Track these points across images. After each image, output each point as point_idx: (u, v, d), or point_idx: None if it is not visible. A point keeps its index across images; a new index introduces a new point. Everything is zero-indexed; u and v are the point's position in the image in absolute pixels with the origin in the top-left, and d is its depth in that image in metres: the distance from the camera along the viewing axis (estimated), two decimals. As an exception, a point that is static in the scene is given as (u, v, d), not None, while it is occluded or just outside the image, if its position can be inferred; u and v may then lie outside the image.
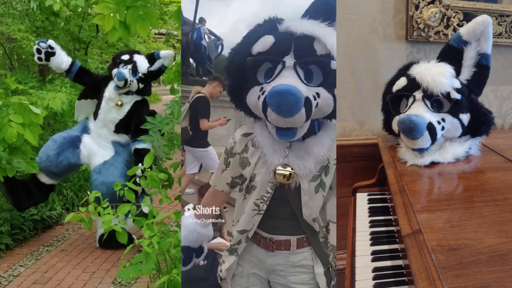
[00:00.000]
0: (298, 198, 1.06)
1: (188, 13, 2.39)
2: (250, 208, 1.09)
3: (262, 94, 0.94)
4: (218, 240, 1.76)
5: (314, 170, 1.03)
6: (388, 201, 1.80)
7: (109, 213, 2.05)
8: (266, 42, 0.95)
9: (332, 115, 1.03)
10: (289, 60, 0.94)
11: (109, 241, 2.89)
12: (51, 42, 2.87)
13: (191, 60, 2.69)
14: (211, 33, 2.43)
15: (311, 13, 0.97)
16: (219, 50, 2.04)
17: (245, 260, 1.17)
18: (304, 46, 0.94)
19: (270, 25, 0.99)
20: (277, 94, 0.87)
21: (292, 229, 1.10)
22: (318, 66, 0.94)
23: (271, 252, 1.11)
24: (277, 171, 1.01)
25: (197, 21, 2.21)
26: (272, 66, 0.96)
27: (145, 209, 2.14)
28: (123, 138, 3.02)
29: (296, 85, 0.89)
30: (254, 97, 0.99)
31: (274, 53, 0.94)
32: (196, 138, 2.53)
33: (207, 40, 2.50)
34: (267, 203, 1.07)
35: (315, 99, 0.94)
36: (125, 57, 2.93)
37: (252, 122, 1.09)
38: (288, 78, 0.91)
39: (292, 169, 1.01)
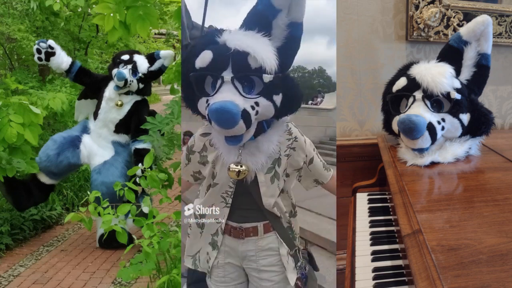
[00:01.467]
0: (257, 189, 1.15)
1: (196, 17, 2.41)
2: (218, 201, 1.20)
3: (208, 106, 1.00)
4: None
5: (266, 163, 1.13)
6: (388, 201, 1.80)
7: (109, 213, 2.05)
8: (205, 57, 1.00)
9: (278, 116, 1.09)
10: (227, 75, 1.00)
11: (109, 241, 2.89)
12: (51, 42, 2.87)
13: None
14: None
15: (247, 24, 1.02)
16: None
17: (220, 251, 1.25)
18: (240, 61, 0.99)
19: (210, 37, 1.03)
20: (215, 111, 0.95)
21: (258, 217, 1.20)
22: (249, 80, 1.01)
23: (241, 239, 1.21)
24: (230, 169, 1.12)
25: (206, 25, 2.23)
26: (213, 80, 1.02)
27: (145, 209, 2.14)
28: (123, 138, 3.02)
29: (234, 99, 0.97)
30: (202, 107, 1.07)
31: (212, 69, 1.00)
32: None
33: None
34: (232, 196, 1.18)
35: (253, 108, 1.01)
36: (125, 57, 2.93)
37: (209, 124, 1.10)
38: (227, 93, 0.98)
39: (242, 166, 1.11)
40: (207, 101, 1.03)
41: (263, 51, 0.99)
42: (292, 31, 1.03)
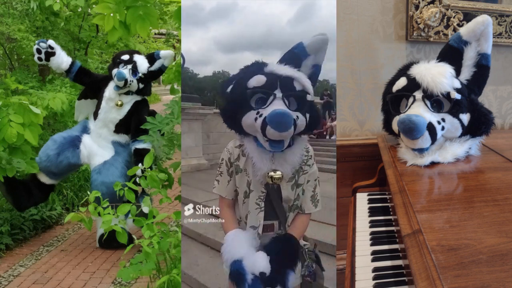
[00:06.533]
0: (278, 194, 1.36)
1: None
2: (253, 207, 1.37)
3: (260, 116, 1.25)
4: None
5: (290, 173, 1.35)
6: (388, 201, 1.80)
7: (109, 213, 2.05)
8: (260, 79, 1.28)
9: (302, 132, 1.35)
10: (278, 93, 1.27)
11: (109, 241, 2.89)
12: (51, 42, 2.87)
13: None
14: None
15: (285, 60, 1.34)
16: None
17: None
18: (287, 84, 1.28)
19: (257, 67, 1.33)
20: (277, 115, 1.20)
21: (274, 216, 1.39)
22: (295, 98, 1.29)
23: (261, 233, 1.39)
24: (272, 175, 1.32)
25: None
26: (265, 97, 1.28)
27: (145, 209, 2.14)
28: (123, 138, 3.02)
29: (284, 109, 1.23)
30: (250, 119, 1.28)
31: (267, 87, 1.27)
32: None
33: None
34: (264, 201, 1.36)
35: (296, 120, 1.26)
36: (125, 57, 2.93)
37: (241, 137, 1.37)
38: (280, 106, 1.25)
39: (276, 172, 1.32)
40: (258, 112, 1.26)
41: (303, 78, 1.30)
42: (314, 70, 1.37)
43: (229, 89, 1.35)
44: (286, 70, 1.29)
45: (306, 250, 1.42)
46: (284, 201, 1.37)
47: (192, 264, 2.48)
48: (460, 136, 1.65)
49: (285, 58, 1.35)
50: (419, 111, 1.58)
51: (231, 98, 1.34)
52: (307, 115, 1.32)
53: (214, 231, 2.50)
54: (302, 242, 1.45)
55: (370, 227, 1.62)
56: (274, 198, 1.36)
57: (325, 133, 7.54)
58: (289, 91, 1.28)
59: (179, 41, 5.86)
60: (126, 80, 2.85)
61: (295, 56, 1.34)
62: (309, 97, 1.29)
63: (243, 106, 1.29)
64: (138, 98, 3.01)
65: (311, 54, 1.34)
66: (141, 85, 2.95)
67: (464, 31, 1.68)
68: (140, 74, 2.91)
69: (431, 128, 1.56)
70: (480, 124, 1.64)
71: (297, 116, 1.27)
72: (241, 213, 1.42)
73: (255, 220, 1.37)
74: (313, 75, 1.37)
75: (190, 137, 5.15)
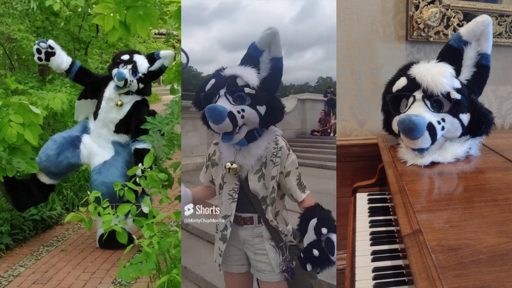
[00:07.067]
0: (248, 186, 1.44)
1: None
2: (226, 198, 1.46)
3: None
4: None
5: (254, 165, 1.41)
6: (388, 201, 1.80)
7: (109, 213, 2.05)
8: (211, 82, 1.41)
9: (266, 125, 1.42)
10: (222, 91, 1.37)
11: (109, 241, 2.89)
12: (51, 42, 2.87)
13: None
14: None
15: (243, 62, 1.43)
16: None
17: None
18: (231, 82, 1.38)
19: (217, 72, 1.44)
20: (208, 109, 1.30)
21: (252, 209, 1.45)
22: (241, 93, 1.36)
23: (240, 226, 1.48)
24: (226, 166, 1.43)
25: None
26: (214, 96, 1.40)
27: (145, 209, 2.14)
28: (123, 138, 3.02)
29: (224, 105, 1.32)
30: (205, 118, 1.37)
31: (215, 88, 1.39)
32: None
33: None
34: (238, 192, 1.45)
35: (239, 112, 1.34)
36: (125, 57, 2.93)
37: (218, 135, 1.44)
38: (221, 102, 1.34)
39: (233, 164, 1.42)
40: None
41: (247, 74, 1.37)
42: (274, 64, 1.41)
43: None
44: (232, 70, 1.40)
45: (288, 244, 1.45)
46: (252, 191, 1.43)
47: (198, 263, 2.49)
48: (460, 136, 1.65)
49: (243, 60, 1.44)
50: (419, 111, 1.58)
51: (198, 102, 1.46)
52: (261, 108, 1.37)
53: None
54: (286, 228, 1.46)
55: (370, 227, 1.62)
56: (247, 190, 1.43)
57: (329, 130, 7.55)
58: (232, 87, 1.36)
59: (179, 41, 5.86)
60: (126, 80, 2.85)
61: (250, 56, 1.42)
62: (246, 90, 1.35)
63: (203, 108, 1.38)
64: (138, 98, 3.02)
65: (264, 49, 1.40)
66: (141, 85, 2.95)
67: (464, 31, 1.68)
68: (140, 74, 2.91)
69: (431, 128, 1.55)
70: (480, 124, 1.64)
71: (243, 109, 1.34)
72: (218, 204, 1.52)
73: (227, 209, 1.46)
74: (275, 68, 1.42)
75: (195, 136, 5.16)
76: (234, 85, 1.37)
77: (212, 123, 1.31)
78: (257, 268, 1.47)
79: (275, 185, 1.42)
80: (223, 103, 1.34)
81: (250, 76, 1.38)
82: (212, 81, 1.41)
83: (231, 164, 1.42)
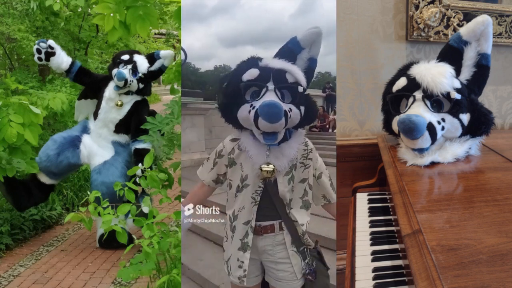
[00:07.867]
0: (276, 189, 1.35)
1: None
2: (248, 202, 1.35)
3: (253, 108, 1.26)
4: None
5: (287, 167, 1.34)
6: (388, 201, 1.80)
7: (109, 213, 2.05)
8: (253, 73, 1.30)
9: (299, 126, 1.36)
10: (270, 85, 1.28)
11: (109, 241, 2.89)
12: (51, 42, 2.87)
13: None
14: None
15: (280, 55, 1.36)
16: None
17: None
18: (280, 76, 1.29)
19: (252, 62, 1.34)
20: (267, 105, 1.21)
21: (274, 216, 1.38)
22: (288, 90, 1.30)
23: (260, 236, 1.39)
24: (263, 168, 1.32)
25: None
26: (258, 89, 1.30)
27: (145, 209, 2.14)
28: (123, 138, 3.02)
29: (277, 101, 1.24)
30: (245, 112, 1.29)
31: (260, 80, 1.29)
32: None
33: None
34: (260, 195, 1.35)
35: (288, 112, 1.26)
36: (125, 57, 2.93)
37: (239, 131, 1.38)
38: (271, 98, 1.26)
39: (269, 165, 1.32)
40: (251, 105, 1.27)
41: (296, 70, 1.31)
42: (310, 64, 1.37)
43: (225, 84, 1.38)
44: (279, 63, 1.31)
45: (308, 247, 1.40)
46: (281, 195, 1.35)
47: (195, 259, 2.48)
48: (460, 136, 1.65)
49: (280, 53, 1.36)
50: (419, 111, 1.58)
51: (226, 92, 1.36)
52: (302, 108, 1.32)
53: (218, 226, 2.51)
54: (304, 238, 1.41)
55: (370, 227, 1.62)
56: (273, 193, 1.35)
57: (327, 126, 7.53)
58: (282, 83, 1.29)
59: (179, 41, 5.86)
60: (126, 80, 2.85)
61: (289, 50, 1.35)
62: (300, 89, 1.29)
63: (237, 100, 1.31)
64: (138, 98, 3.01)
65: (305, 47, 1.35)
66: (141, 85, 2.95)
67: (464, 31, 1.68)
68: (140, 74, 2.91)
69: (431, 128, 1.55)
70: (480, 124, 1.64)
71: (290, 108, 1.28)
72: (233, 207, 1.40)
73: (248, 214, 1.36)
74: (309, 69, 1.37)
75: (192, 132, 5.16)
76: (284, 81, 1.29)
77: (265, 121, 1.21)
78: (277, 277, 1.40)
79: (307, 188, 1.38)
80: (275, 99, 1.25)
81: (299, 74, 1.31)
82: (255, 71, 1.30)
83: (267, 165, 1.32)
